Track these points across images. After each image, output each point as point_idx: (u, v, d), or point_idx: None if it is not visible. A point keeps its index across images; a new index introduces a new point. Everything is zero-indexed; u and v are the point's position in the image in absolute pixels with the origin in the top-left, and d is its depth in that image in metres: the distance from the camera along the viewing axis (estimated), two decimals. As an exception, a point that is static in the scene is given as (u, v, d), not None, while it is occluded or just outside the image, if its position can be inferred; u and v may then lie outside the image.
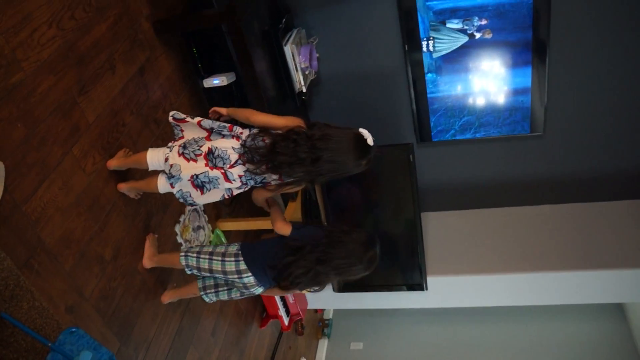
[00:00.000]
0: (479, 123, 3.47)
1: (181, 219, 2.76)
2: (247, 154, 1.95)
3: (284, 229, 2.11)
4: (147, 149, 2.13)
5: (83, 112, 2.08)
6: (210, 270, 2.22)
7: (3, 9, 1.74)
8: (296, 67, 3.03)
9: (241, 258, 2.16)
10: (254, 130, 2.01)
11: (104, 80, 2.22)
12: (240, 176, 1.99)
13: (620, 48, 3.05)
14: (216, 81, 2.82)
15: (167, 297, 2.49)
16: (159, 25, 2.60)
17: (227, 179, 1.99)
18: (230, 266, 2.16)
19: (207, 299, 2.39)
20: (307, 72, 3.14)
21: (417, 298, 3.75)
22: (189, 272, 2.29)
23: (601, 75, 3.17)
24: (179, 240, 2.73)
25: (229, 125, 2.04)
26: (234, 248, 2.21)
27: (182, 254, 2.27)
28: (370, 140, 1.89)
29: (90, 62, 2.14)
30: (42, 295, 1.80)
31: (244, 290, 2.24)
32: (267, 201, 2.21)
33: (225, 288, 2.35)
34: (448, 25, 3.10)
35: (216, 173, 1.98)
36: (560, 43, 3.08)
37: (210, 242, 3.04)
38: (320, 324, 5.13)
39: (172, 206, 2.67)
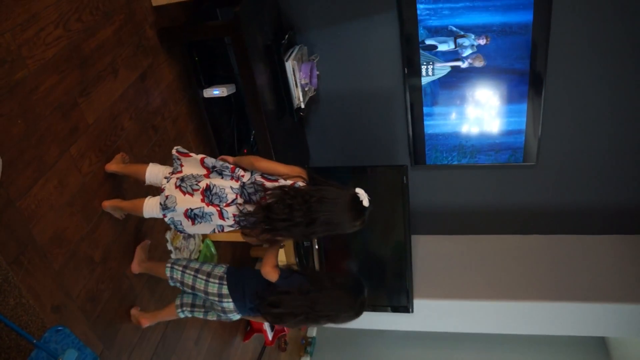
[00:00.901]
0: (473, 149, 3.51)
1: (166, 221, 2.75)
2: (246, 198, 1.96)
3: (272, 274, 2.08)
4: (145, 157, 2.14)
5: (83, 113, 2.10)
6: (193, 288, 2.23)
7: (12, 6, 1.76)
8: (296, 83, 3.06)
9: (225, 282, 2.17)
10: (256, 176, 2.01)
11: (106, 83, 2.24)
12: (234, 215, 1.98)
13: (617, 83, 3.11)
14: (216, 92, 2.85)
15: (147, 321, 2.40)
16: (163, 33, 2.63)
17: (221, 216, 1.98)
18: (213, 288, 2.17)
19: (181, 315, 2.37)
20: (306, 89, 3.18)
21: (402, 320, 3.75)
22: (172, 284, 2.29)
23: (596, 110, 3.23)
24: (169, 247, 2.73)
25: (232, 166, 2.04)
26: (220, 270, 2.22)
27: (169, 265, 2.27)
28: (365, 202, 1.88)
29: (94, 65, 2.16)
30: (29, 292, 1.79)
31: (221, 314, 2.24)
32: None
33: (202, 310, 2.34)
34: (440, 47, 3.15)
35: (211, 210, 1.98)
36: (556, 75, 3.14)
37: (199, 251, 3.04)
38: (303, 342, 5.10)
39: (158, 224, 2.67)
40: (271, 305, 2.05)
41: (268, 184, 1.97)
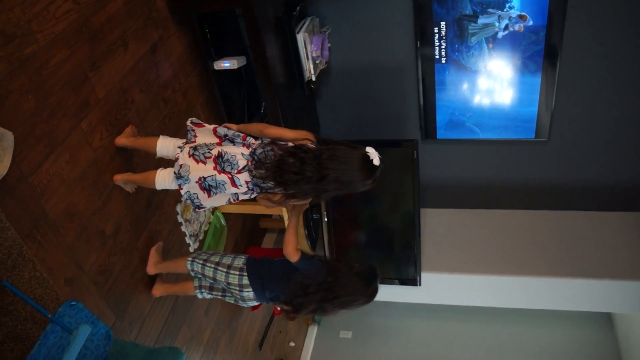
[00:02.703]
0: (484, 124, 3.48)
1: (183, 199, 2.77)
2: (255, 163, 1.97)
3: (293, 256, 2.15)
4: (156, 130, 2.15)
5: (93, 88, 2.09)
6: (214, 279, 2.33)
7: (21, -21, 1.74)
8: (307, 56, 3.03)
9: (245, 273, 2.27)
10: (266, 141, 2.03)
11: (116, 56, 2.23)
12: (247, 182, 2.00)
13: (631, 60, 3.05)
14: (227, 64, 2.82)
15: (158, 292, 2.49)
16: (174, 5, 2.60)
17: (233, 184, 2.00)
18: (234, 279, 2.28)
19: (199, 296, 2.46)
20: (317, 61, 3.14)
21: (410, 293, 3.78)
22: (192, 275, 2.40)
23: (610, 86, 3.18)
24: (179, 219, 2.75)
25: (243, 135, 2.06)
26: (240, 262, 2.31)
27: (190, 259, 2.37)
28: (376, 160, 1.89)
29: (103, 38, 2.15)
30: (43, 266, 1.83)
31: (240, 302, 2.35)
32: (289, 210, 2.22)
33: (220, 294, 2.42)
34: (481, 19, 3.08)
35: (223, 177, 2.00)
36: (572, 50, 3.08)
37: (209, 222, 3.07)
38: (311, 311, 5.18)
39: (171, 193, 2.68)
40: (290, 298, 2.15)
41: (276, 148, 1.98)
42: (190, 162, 2.02)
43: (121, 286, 2.29)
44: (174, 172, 2.06)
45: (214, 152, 2.01)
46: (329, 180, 1.87)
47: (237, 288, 2.27)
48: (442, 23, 3.12)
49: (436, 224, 3.92)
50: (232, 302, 2.40)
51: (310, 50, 3.03)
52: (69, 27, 1.95)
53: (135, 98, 2.36)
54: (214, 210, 3.12)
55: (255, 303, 2.35)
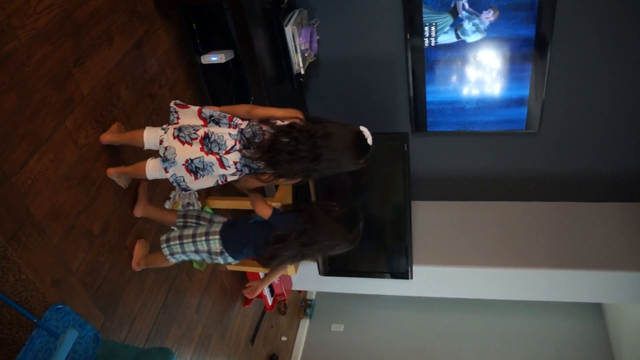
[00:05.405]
0: (475, 116, 3.46)
1: (171, 196, 2.74)
2: (245, 144, 1.94)
3: (265, 211, 2.12)
4: (142, 127, 2.10)
5: (78, 84, 2.04)
6: (197, 252, 2.24)
7: (0, -27, 1.69)
8: (296, 49, 2.99)
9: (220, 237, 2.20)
10: (254, 121, 1.99)
11: (101, 52, 2.18)
12: (235, 163, 1.97)
13: (622, 51, 3.04)
14: (214, 58, 2.78)
15: (137, 265, 2.41)
16: (159, -2, 2.55)
17: (222, 165, 1.97)
18: (215, 244, 2.19)
19: (172, 260, 2.29)
20: (306, 54, 3.11)
21: (401, 286, 3.78)
22: (175, 262, 2.30)
23: (600, 77, 3.17)
24: (168, 216, 2.71)
25: (229, 116, 2.02)
26: (217, 228, 2.22)
27: (166, 250, 2.24)
28: (370, 140, 1.88)
29: (87, 33, 2.09)
30: (28, 268, 1.79)
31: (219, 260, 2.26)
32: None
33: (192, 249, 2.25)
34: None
35: (211, 159, 1.96)
36: (563, 40, 3.06)
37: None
38: (302, 304, 5.17)
39: (163, 182, 2.64)
40: (270, 256, 2.08)
41: (266, 127, 1.94)
42: (176, 144, 1.97)
43: (110, 286, 2.25)
44: (160, 156, 2.00)
45: (200, 133, 1.97)
46: (322, 159, 1.85)
47: (220, 255, 2.21)
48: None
49: (427, 217, 3.91)
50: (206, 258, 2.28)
51: (298, 43, 2.99)
52: (51, 22, 1.90)
53: (121, 94, 2.31)
54: (203, 205, 3.09)
55: (235, 262, 2.29)
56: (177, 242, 2.24)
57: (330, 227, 2.04)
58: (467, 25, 3.08)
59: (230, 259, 2.24)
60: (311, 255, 2.09)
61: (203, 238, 2.21)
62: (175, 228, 2.42)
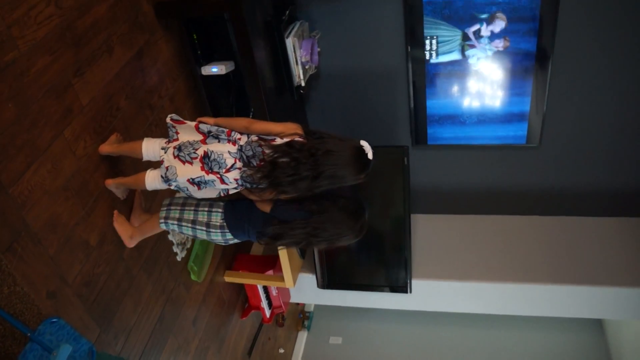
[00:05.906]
0: (475, 129, 3.45)
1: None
2: (245, 164, 1.92)
3: (264, 208, 2.09)
4: (141, 138, 2.09)
5: (77, 94, 2.03)
6: (195, 237, 2.21)
7: (0, -16, 1.68)
8: (296, 61, 2.99)
9: (227, 230, 2.15)
10: (253, 137, 1.97)
11: (101, 62, 2.17)
12: (236, 179, 1.96)
13: (624, 65, 3.04)
14: (215, 69, 2.77)
15: (131, 241, 2.33)
16: (161, 9, 2.55)
17: (223, 182, 1.97)
18: (217, 236, 2.16)
19: (164, 227, 2.22)
20: (307, 66, 3.10)
21: (400, 300, 3.75)
22: (166, 228, 2.22)
23: (601, 92, 3.16)
24: (170, 237, 2.69)
25: (227, 130, 2.00)
26: (217, 217, 2.15)
27: (162, 220, 2.18)
28: (370, 154, 1.87)
29: (88, 43, 2.09)
30: (23, 280, 1.77)
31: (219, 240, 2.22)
32: None
33: (190, 226, 2.19)
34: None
35: (212, 177, 1.96)
36: (564, 54, 3.06)
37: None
38: (300, 316, 5.14)
39: (162, 193, 2.63)
40: (273, 238, 2.05)
41: (265, 146, 1.92)
42: (177, 164, 1.98)
43: (106, 298, 2.23)
44: (161, 176, 2.01)
45: (200, 152, 1.96)
46: (324, 177, 1.84)
47: (222, 242, 2.18)
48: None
49: (427, 230, 3.89)
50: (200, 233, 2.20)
51: (299, 55, 2.99)
52: (51, 32, 1.89)
53: (120, 104, 2.30)
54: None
55: (232, 240, 2.22)
56: (178, 208, 2.18)
57: (337, 216, 2.00)
58: (476, 51, 3.10)
59: (228, 236, 2.16)
60: (317, 243, 2.03)
61: (206, 209, 2.16)
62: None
